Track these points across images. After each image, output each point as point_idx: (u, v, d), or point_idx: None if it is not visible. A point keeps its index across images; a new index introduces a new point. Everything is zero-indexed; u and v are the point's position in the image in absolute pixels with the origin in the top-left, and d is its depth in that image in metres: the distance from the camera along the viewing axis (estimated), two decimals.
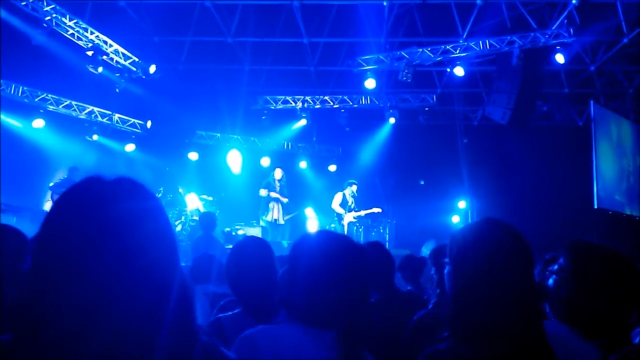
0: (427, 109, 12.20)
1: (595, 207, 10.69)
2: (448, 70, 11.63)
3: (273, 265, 2.28)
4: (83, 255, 0.87)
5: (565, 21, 9.52)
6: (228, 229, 9.68)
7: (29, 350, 0.86)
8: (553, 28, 9.68)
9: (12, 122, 10.43)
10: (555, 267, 1.69)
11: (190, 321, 1.06)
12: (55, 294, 0.86)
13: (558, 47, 9.71)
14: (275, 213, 10.55)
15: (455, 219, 12.43)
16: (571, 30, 9.43)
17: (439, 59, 10.34)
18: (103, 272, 0.87)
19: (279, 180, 10.84)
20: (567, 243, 1.70)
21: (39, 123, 10.49)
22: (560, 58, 9.83)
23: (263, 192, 10.67)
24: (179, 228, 10.46)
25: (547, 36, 9.61)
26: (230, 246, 5.92)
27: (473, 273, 1.36)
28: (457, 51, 10.14)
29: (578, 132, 12.50)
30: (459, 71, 10.51)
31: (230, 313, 2.17)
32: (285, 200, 10.72)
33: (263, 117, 12.35)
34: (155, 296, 0.93)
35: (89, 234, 0.89)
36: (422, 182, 13.01)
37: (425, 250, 10.36)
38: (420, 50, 10.22)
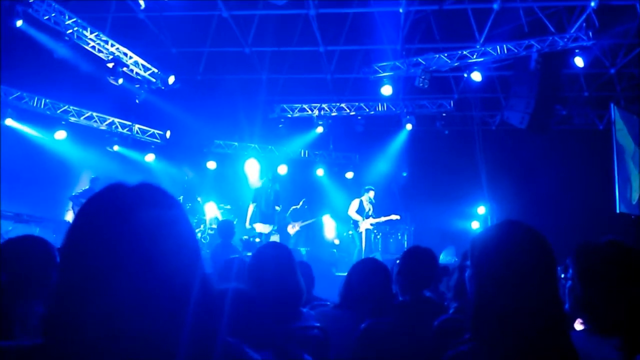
0: (444, 114, 12.15)
1: (618, 211, 10.52)
2: (465, 75, 11.56)
3: (295, 271, 2.30)
4: (108, 263, 0.88)
5: (584, 24, 9.42)
6: (246, 237, 9.73)
7: (54, 357, 0.87)
8: (572, 31, 9.59)
9: (35, 133, 10.66)
10: (569, 272, 1.69)
11: (212, 324, 1.07)
12: (82, 302, 0.87)
13: (577, 51, 9.61)
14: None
15: (475, 224, 12.32)
16: (590, 33, 9.32)
17: (456, 64, 10.31)
18: (128, 280, 0.88)
19: None
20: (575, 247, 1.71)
21: (61, 135, 10.70)
22: (579, 61, 9.72)
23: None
24: (198, 237, 10.54)
25: (565, 40, 9.52)
26: (249, 254, 5.93)
27: (494, 275, 1.35)
28: (474, 56, 10.10)
29: (598, 136, 12.30)
30: (476, 76, 10.45)
31: None
32: None
33: (280, 126, 12.42)
34: (176, 304, 0.94)
35: (114, 242, 0.90)
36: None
37: (444, 257, 10.28)
38: (437, 56, 10.20)
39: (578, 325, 1.69)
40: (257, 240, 9.80)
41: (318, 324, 2.23)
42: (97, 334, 0.86)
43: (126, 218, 0.93)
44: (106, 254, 0.89)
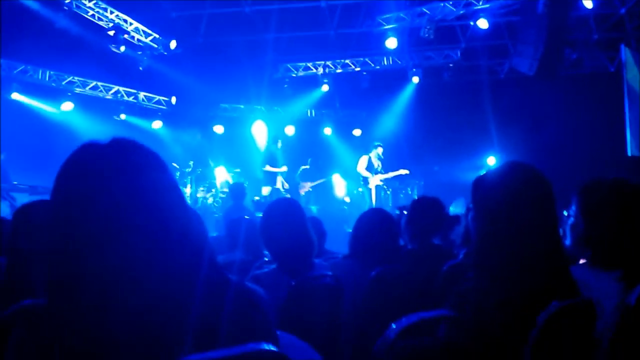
0: (451, 65, 11.96)
1: (629, 154, 10.44)
2: (472, 23, 11.31)
3: (304, 223, 2.35)
4: (100, 223, 0.87)
5: None
6: (257, 198, 9.84)
7: (66, 316, 0.86)
8: None
9: (43, 106, 10.69)
10: (572, 209, 1.73)
11: (222, 272, 1.12)
12: (81, 266, 0.85)
13: None
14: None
15: None
16: None
17: (461, 12, 10.07)
18: (141, 237, 0.87)
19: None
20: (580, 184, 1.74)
21: (68, 106, 10.72)
22: (588, 2, 9.46)
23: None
24: (210, 201, 10.68)
25: None
26: (260, 214, 6.03)
27: (495, 213, 1.39)
28: (480, 3, 9.85)
29: (610, 79, 12.06)
30: (482, 24, 10.22)
31: (266, 269, 2.26)
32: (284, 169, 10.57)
33: (285, 86, 12.33)
34: (192, 256, 0.95)
35: (95, 205, 0.88)
36: (436, 168, 12.80)
37: (454, 209, 10.32)
38: (442, 4, 9.95)
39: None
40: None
41: (331, 273, 2.30)
42: (105, 293, 0.85)
43: (104, 177, 0.91)
44: (94, 215, 0.87)
